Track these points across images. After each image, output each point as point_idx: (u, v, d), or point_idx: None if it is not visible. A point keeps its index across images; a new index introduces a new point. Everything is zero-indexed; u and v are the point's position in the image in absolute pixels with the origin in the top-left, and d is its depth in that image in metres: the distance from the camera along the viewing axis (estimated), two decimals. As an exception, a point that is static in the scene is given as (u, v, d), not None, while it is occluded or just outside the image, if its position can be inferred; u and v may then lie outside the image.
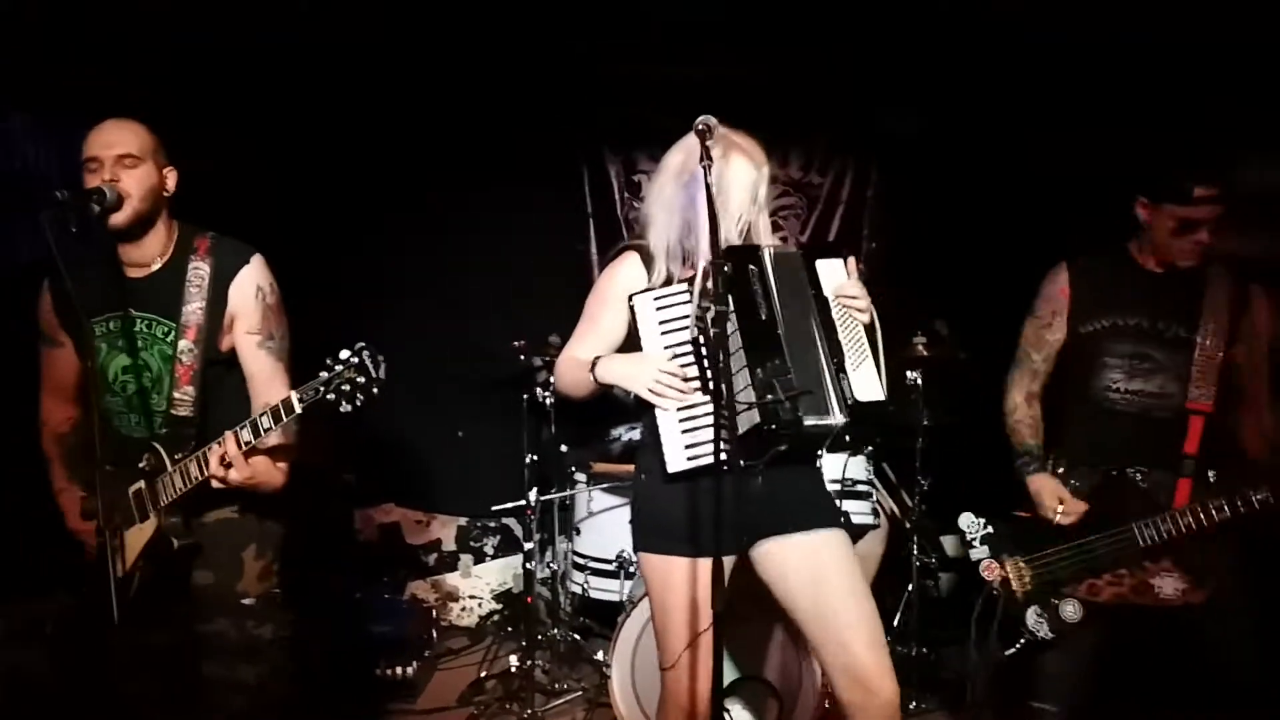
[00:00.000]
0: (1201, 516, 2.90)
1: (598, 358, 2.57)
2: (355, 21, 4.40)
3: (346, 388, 2.37)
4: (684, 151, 2.54)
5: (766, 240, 2.56)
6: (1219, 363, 2.98)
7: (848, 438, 2.50)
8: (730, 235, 2.51)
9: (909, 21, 4.53)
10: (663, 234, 2.56)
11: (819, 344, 2.42)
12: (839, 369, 2.40)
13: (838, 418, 2.37)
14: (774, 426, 2.34)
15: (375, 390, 2.39)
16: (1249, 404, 3.04)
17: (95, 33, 3.93)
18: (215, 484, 2.51)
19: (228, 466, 2.47)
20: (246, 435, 2.47)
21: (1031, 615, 3.04)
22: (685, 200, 2.51)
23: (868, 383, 2.42)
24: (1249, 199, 3.09)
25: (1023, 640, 3.04)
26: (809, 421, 2.36)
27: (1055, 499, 3.06)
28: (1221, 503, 2.89)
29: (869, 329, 2.48)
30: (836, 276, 2.50)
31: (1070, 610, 3.01)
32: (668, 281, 2.55)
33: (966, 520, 3.18)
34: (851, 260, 2.54)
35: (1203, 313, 2.99)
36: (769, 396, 2.35)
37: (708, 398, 2.42)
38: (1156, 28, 4.18)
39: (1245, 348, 3.00)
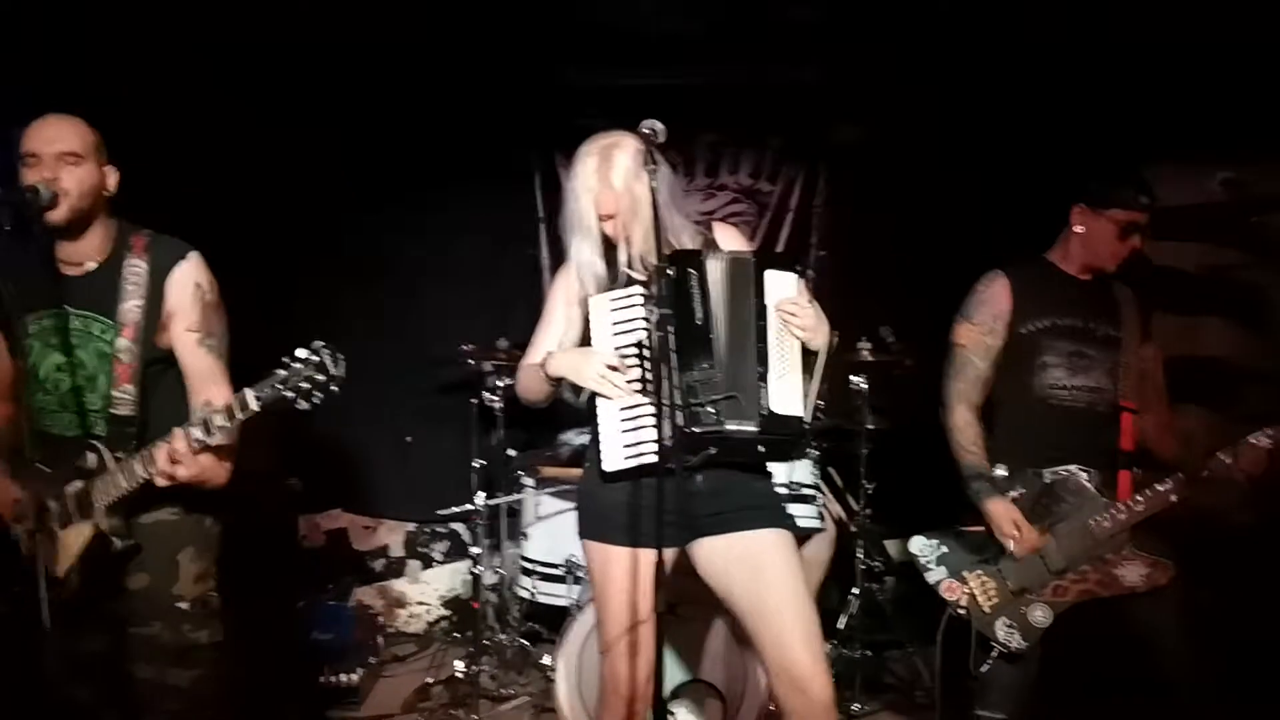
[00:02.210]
0: (1152, 498, 2.98)
1: (549, 354, 2.62)
2: (308, 21, 4.37)
3: (305, 385, 2.33)
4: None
5: (688, 244, 2.61)
6: (1137, 364, 3.13)
7: (761, 449, 2.50)
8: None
9: (857, 32, 4.59)
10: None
11: (753, 349, 2.46)
12: (760, 378, 2.44)
13: (753, 426, 2.41)
14: (696, 429, 2.38)
15: (334, 388, 2.36)
16: (1154, 406, 3.19)
17: (47, 28, 3.89)
18: (161, 482, 2.46)
19: (176, 464, 2.42)
20: (198, 433, 2.41)
21: (1001, 628, 3.03)
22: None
23: (787, 397, 2.46)
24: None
25: (994, 655, 3.03)
26: (730, 426, 2.41)
27: (1012, 526, 3.04)
28: (1170, 484, 2.98)
29: (806, 348, 2.52)
30: (783, 289, 2.52)
31: (1040, 615, 3.02)
32: (617, 284, 2.58)
33: (918, 544, 3.17)
34: (801, 280, 2.57)
35: (1121, 317, 3.15)
36: (693, 400, 2.38)
37: (648, 399, 2.45)
38: (1103, 38, 4.27)
39: (1149, 353, 3.17)
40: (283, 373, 2.34)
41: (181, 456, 2.42)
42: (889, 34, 4.56)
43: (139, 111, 3.83)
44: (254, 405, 2.37)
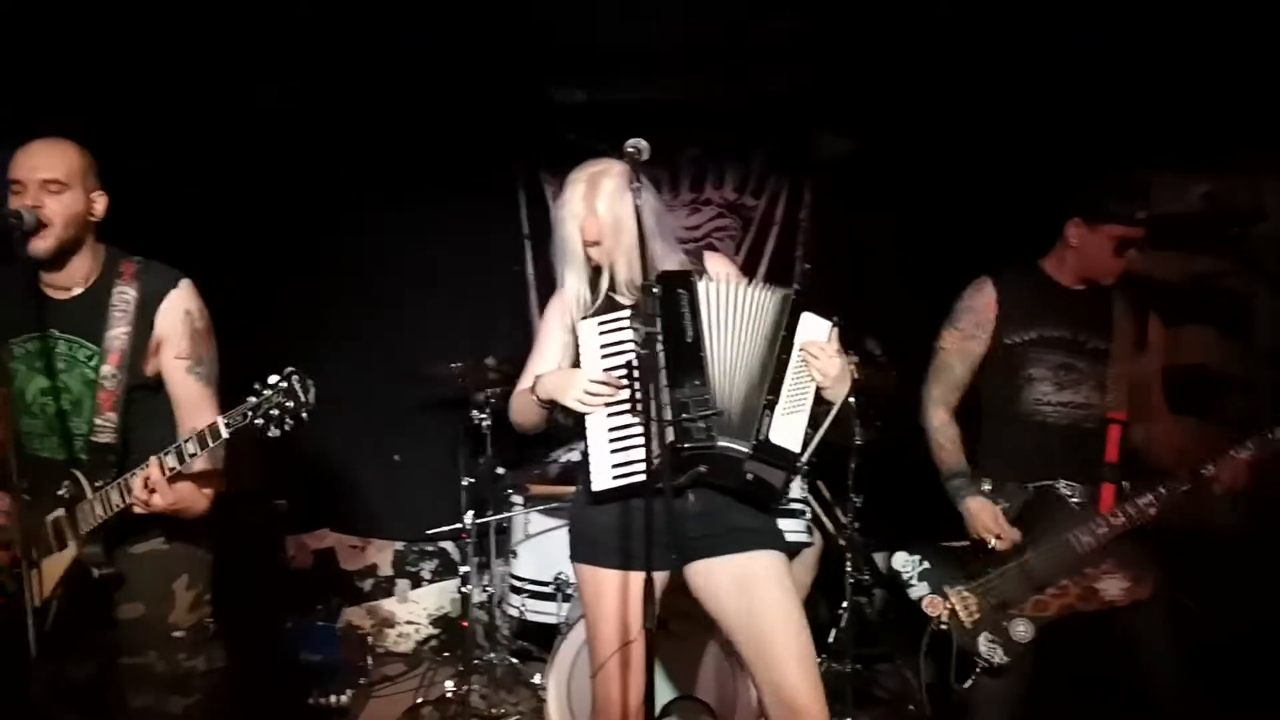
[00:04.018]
0: (1132, 513, 2.99)
1: (538, 378, 2.63)
2: (288, 39, 4.36)
3: (275, 412, 2.34)
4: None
5: (669, 266, 2.59)
6: (1128, 374, 3.11)
7: (749, 476, 2.50)
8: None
9: (841, 44, 4.61)
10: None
11: (764, 375, 2.47)
12: (768, 406, 2.45)
13: (745, 447, 2.42)
14: (687, 446, 2.39)
15: (305, 415, 2.37)
16: (1153, 416, 3.19)
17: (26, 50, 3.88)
18: (138, 509, 2.46)
19: (152, 492, 2.42)
20: (171, 461, 2.42)
21: (984, 643, 3.03)
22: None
23: (788, 431, 2.47)
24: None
25: (978, 670, 3.03)
26: (722, 442, 2.41)
27: (993, 523, 3.04)
28: (1149, 498, 2.99)
29: (820, 395, 2.52)
30: (815, 332, 2.54)
31: (1022, 630, 3.02)
32: (610, 307, 2.59)
33: (901, 560, 3.17)
34: (835, 330, 2.57)
35: (1113, 327, 3.12)
36: (683, 416, 2.39)
37: (636, 418, 2.46)
38: (1086, 49, 4.30)
39: (1147, 362, 3.15)
40: (253, 400, 2.36)
41: (156, 484, 2.43)
42: (872, 45, 4.58)
43: (126, 125, 3.83)
44: (224, 433, 2.38)
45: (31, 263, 2.53)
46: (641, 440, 2.39)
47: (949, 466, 3.16)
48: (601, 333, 2.55)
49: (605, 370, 2.52)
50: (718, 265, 2.75)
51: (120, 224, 2.70)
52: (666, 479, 2.31)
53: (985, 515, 3.06)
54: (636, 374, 2.48)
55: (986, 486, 3.13)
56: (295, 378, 2.36)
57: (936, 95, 4.71)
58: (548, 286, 2.84)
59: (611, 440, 2.49)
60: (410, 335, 5.07)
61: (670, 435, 2.39)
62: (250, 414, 2.35)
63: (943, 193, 4.82)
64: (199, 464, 2.51)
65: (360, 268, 5.10)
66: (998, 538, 3.03)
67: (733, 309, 2.52)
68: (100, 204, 2.63)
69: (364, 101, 4.85)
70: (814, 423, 2.53)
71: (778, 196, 5.25)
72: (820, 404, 2.53)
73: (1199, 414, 4.26)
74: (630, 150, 2.37)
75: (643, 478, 2.40)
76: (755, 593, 2.51)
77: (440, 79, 4.82)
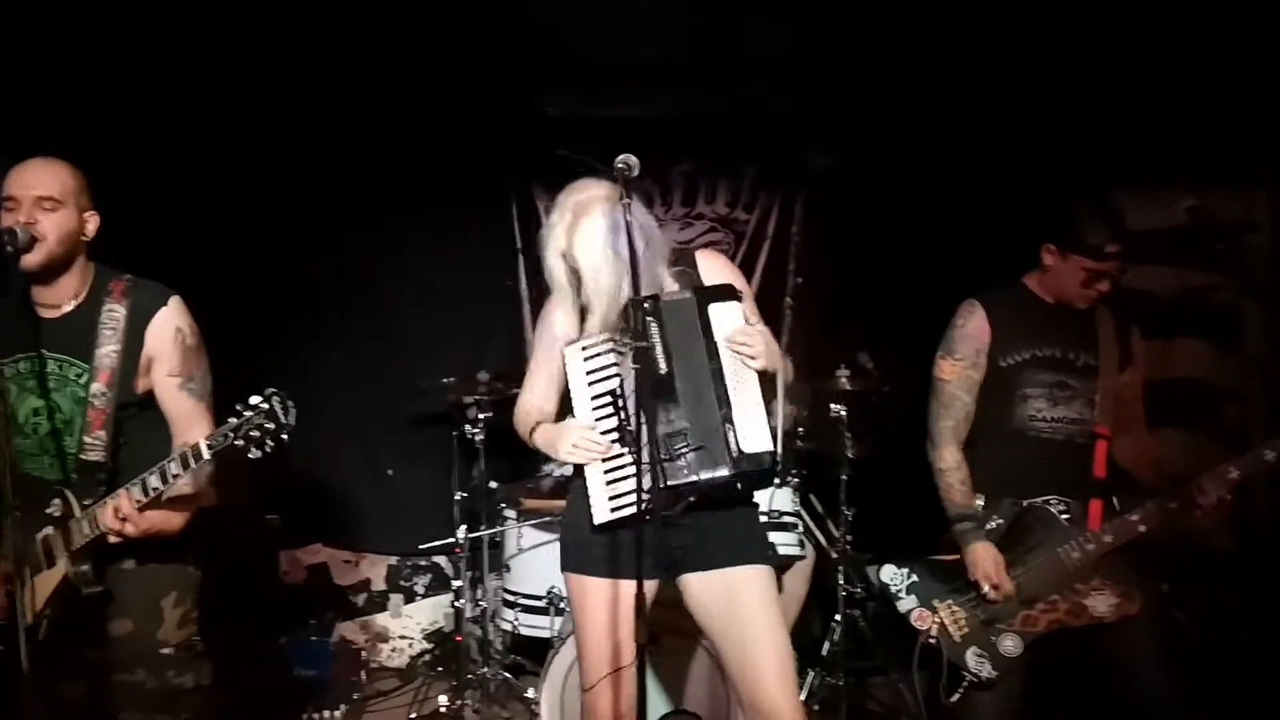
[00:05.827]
0: (1121, 529, 3.00)
1: (536, 425, 2.69)
2: (277, 54, 4.37)
3: (256, 434, 2.37)
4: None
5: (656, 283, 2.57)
6: (1114, 390, 3.11)
7: (739, 486, 2.51)
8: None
9: (833, 60, 4.63)
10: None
11: (712, 392, 2.46)
12: (726, 420, 2.44)
13: (725, 471, 2.42)
14: (673, 484, 2.41)
15: (285, 436, 2.40)
16: (1132, 430, 3.19)
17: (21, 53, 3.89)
18: (112, 539, 2.48)
19: (123, 521, 2.44)
20: (155, 482, 2.44)
21: (972, 657, 3.02)
22: None
23: (754, 433, 2.45)
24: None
25: (966, 684, 3.02)
26: (704, 476, 2.42)
27: (995, 573, 3.01)
28: (1138, 515, 3.00)
29: (764, 376, 2.50)
30: (730, 321, 2.51)
31: (1010, 644, 3.02)
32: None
33: (889, 573, 3.16)
34: (746, 303, 2.56)
35: (1098, 343, 3.13)
36: (663, 454, 2.41)
37: (626, 450, 2.48)
38: (1075, 64, 4.33)
39: (1129, 377, 3.15)
40: (234, 421, 2.38)
41: (127, 514, 2.44)
42: (864, 61, 4.60)
43: (119, 135, 3.84)
44: (206, 454, 2.40)
45: (24, 277, 2.54)
46: (634, 473, 2.37)
47: (959, 508, 3.11)
48: (586, 358, 2.56)
49: (593, 396, 2.53)
50: (711, 263, 2.71)
51: (113, 236, 2.71)
52: (658, 512, 2.33)
53: (989, 563, 3.03)
54: (622, 401, 2.49)
55: (978, 502, 3.12)
56: (276, 399, 2.39)
57: (928, 109, 4.73)
58: (540, 301, 2.85)
59: (607, 473, 2.51)
60: (403, 349, 5.08)
61: (660, 473, 2.40)
62: (231, 435, 2.38)
63: (935, 206, 4.84)
64: (181, 485, 2.52)
65: (353, 281, 5.11)
66: (994, 587, 3.03)
67: (679, 330, 2.50)
68: (92, 224, 2.65)
69: (357, 115, 4.86)
70: (770, 404, 2.50)
71: (770, 211, 5.27)
72: (765, 382, 2.50)
73: (1190, 426, 4.28)
74: (620, 166, 2.37)
75: (638, 508, 2.38)
76: (737, 604, 2.53)
77: (434, 92, 4.83)
